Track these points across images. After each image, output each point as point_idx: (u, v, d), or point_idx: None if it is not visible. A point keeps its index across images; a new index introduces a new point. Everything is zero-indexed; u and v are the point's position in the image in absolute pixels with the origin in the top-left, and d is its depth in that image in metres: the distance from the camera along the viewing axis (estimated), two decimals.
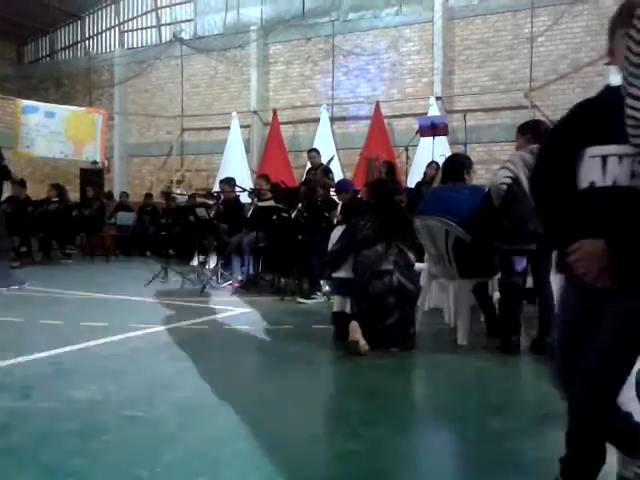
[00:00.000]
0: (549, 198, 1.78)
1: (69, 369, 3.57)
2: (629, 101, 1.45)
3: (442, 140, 9.97)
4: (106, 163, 12.65)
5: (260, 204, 7.15)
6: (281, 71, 13.36)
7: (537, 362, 3.92)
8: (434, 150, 9.17)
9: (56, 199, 9.59)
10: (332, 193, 7.37)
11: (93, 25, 16.52)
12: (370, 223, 4.31)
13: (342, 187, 6.83)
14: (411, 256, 4.29)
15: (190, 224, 7.90)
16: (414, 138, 10.17)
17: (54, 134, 11.34)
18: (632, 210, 1.59)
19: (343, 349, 4.03)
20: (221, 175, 11.04)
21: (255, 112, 13.34)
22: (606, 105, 1.66)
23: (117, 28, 16.04)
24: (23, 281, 6.76)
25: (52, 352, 3.88)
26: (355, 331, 3.98)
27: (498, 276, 4.37)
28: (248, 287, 6.82)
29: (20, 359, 3.70)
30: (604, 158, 1.66)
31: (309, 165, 9.16)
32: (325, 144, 11.34)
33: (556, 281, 3.77)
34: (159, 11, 15.38)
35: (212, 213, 7.70)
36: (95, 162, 12.02)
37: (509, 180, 3.93)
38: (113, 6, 16.00)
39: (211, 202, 8.62)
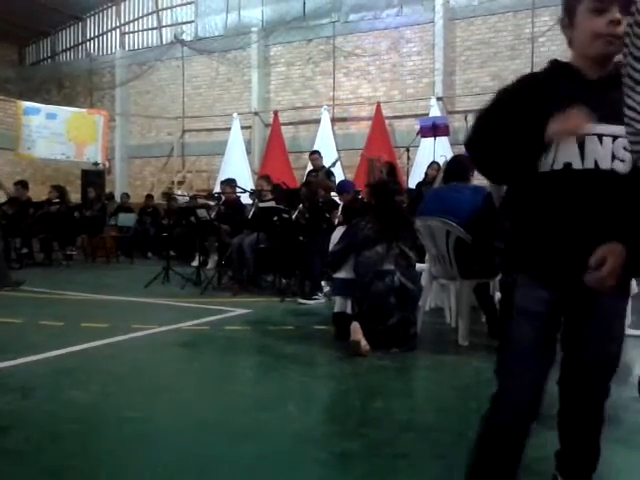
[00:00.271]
0: (499, 171, 1.66)
1: (69, 370, 3.57)
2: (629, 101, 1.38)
3: (443, 141, 9.98)
4: (107, 164, 12.66)
5: (261, 205, 7.14)
6: (282, 72, 13.37)
7: None
8: (435, 151, 9.17)
9: (57, 200, 9.59)
10: (333, 194, 7.37)
11: (94, 27, 16.56)
12: (371, 224, 4.31)
13: (343, 188, 6.82)
14: (412, 256, 4.29)
15: (191, 225, 7.90)
16: (415, 139, 10.17)
17: (55, 136, 11.38)
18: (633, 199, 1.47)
19: (344, 350, 4.02)
20: (222, 176, 11.06)
21: (256, 113, 13.35)
22: (572, 82, 1.57)
23: (118, 30, 16.07)
24: (20, 282, 6.73)
25: (52, 353, 3.88)
26: (356, 332, 3.98)
27: (499, 276, 4.37)
28: (249, 288, 6.82)
29: (21, 360, 3.70)
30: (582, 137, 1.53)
31: (310, 167, 9.16)
32: (326, 145, 11.35)
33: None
34: (160, 13, 15.41)
35: (213, 214, 7.70)
36: (96, 163, 12.04)
37: None
38: (114, 8, 16.03)
39: (212, 203, 8.62)
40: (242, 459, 2.34)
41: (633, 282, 3.19)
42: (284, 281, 6.89)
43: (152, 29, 15.56)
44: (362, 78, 12.43)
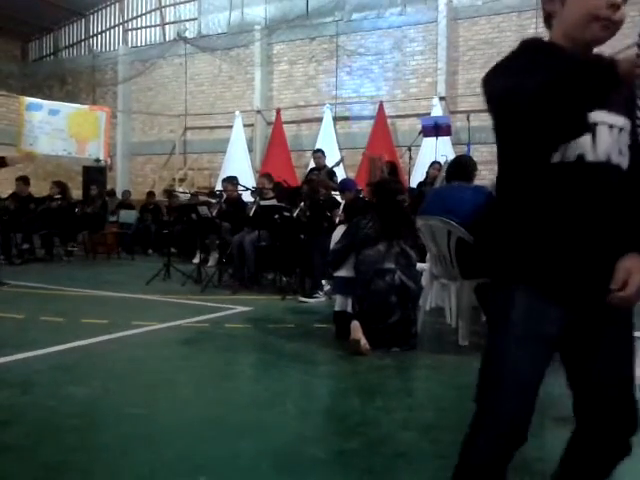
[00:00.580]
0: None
1: (69, 366, 3.57)
2: None
3: (445, 140, 9.97)
4: (109, 161, 12.63)
5: (262, 203, 7.14)
6: (285, 70, 13.36)
7: None
8: (437, 150, 9.16)
9: (58, 196, 9.59)
10: (334, 193, 7.37)
11: (97, 23, 16.55)
12: (372, 222, 4.31)
13: (345, 186, 6.82)
14: (413, 255, 4.28)
15: (192, 222, 7.90)
16: (417, 138, 10.16)
17: (57, 132, 11.34)
18: None
19: (344, 348, 4.02)
20: (224, 174, 11.06)
21: (258, 111, 13.34)
22: (575, 64, 1.30)
23: (121, 26, 16.06)
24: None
25: (52, 349, 3.88)
26: (356, 330, 3.98)
27: None
28: (250, 286, 6.82)
29: (21, 355, 3.70)
30: (594, 126, 1.34)
31: (312, 165, 9.17)
32: (328, 144, 11.34)
33: None
34: (163, 10, 15.40)
35: (214, 212, 7.70)
36: (98, 160, 12.01)
37: None
38: (117, 4, 16.02)
39: (213, 201, 8.62)
40: (241, 456, 2.34)
41: None
42: (285, 279, 6.89)
43: (155, 26, 15.55)
44: (365, 77, 12.42)
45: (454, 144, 10.46)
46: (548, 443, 2.54)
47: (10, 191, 9.74)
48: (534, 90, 1.22)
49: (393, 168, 8.69)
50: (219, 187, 9.46)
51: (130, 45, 15.82)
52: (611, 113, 1.36)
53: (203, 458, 2.30)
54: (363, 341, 3.94)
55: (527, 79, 1.24)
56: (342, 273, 4.47)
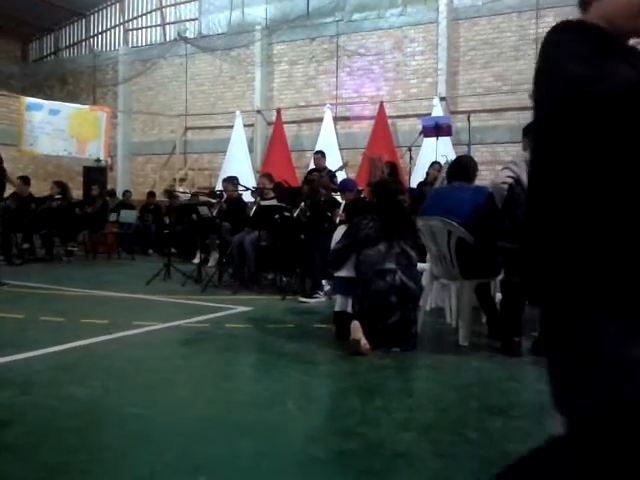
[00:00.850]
0: None
1: (70, 366, 3.57)
2: None
3: (446, 141, 9.96)
4: (109, 161, 12.65)
5: (263, 203, 7.14)
6: (285, 71, 13.37)
7: (538, 363, 3.91)
8: (437, 151, 9.15)
9: (59, 196, 9.59)
10: (335, 194, 7.38)
11: (98, 23, 16.56)
12: (373, 222, 4.31)
13: (345, 187, 6.83)
14: (413, 255, 4.28)
15: (192, 222, 7.90)
16: (418, 138, 10.16)
17: (58, 132, 11.37)
18: None
19: (344, 348, 4.02)
20: (224, 174, 11.06)
21: (259, 111, 13.35)
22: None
23: (122, 26, 16.07)
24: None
25: (53, 349, 3.88)
26: (356, 330, 3.97)
27: (501, 276, 4.36)
28: (250, 286, 6.82)
29: (21, 355, 3.70)
30: None
31: (312, 165, 9.16)
32: (328, 144, 11.36)
33: None
34: (164, 10, 15.40)
35: (215, 212, 7.70)
36: (98, 160, 12.03)
37: (510, 180, 3.95)
38: (118, 4, 16.03)
39: (214, 201, 8.62)
40: (241, 456, 2.34)
41: None
42: (285, 279, 6.89)
43: (156, 26, 15.55)
44: (365, 77, 12.42)
45: (455, 144, 10.45)
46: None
47: (11, 191, 9.74)
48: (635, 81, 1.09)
49: (393, 168, 8.68)
50: (219, 187, 9.47)
51: (131, 45, 15.83)
52: None
53: (203, 458, 2.30)
54: (363, 341, 3.94)
55: (613, 68, 1.11)
56: (342, 273, 4.46)
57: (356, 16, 12.58)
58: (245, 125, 13.23)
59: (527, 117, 9.28)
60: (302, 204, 6.86)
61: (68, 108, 11.82)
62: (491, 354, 4.07)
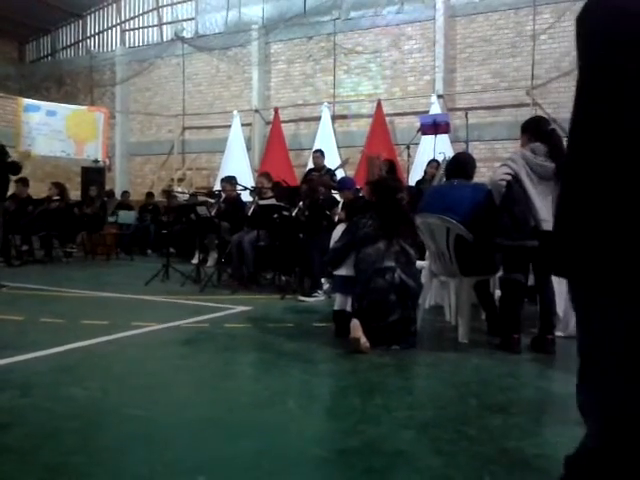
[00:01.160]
0: None
1: (69, 367, 3.57)
2: None
3: (444, 138, 9.96)
4: (107, 162, 12.64)
5: (261, 202, 7.14)
6: (282, 69, 13.36)
7: (538, 360, 3.91)
8: (436, 148, 9.15)
9: (57, 197, 9.58)
10: (333, 192, 7.37)
11: (95, 24, 16.54)
12: (372, 221, 4.31)
13: (344, 185, 6.82)
14: (412, 253, 4.28)
15: (191, 222, 7.90)
16: (416, 136, 10.16)
17: (55, 133, 11.35)
18: None
19: (344, 347, 4.02)
20: (222, 173, 11.04)
21: (256, 110, 13.34)
22: None
23: (119, 27, 16.06)
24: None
25: (52, 350, 3.88)
26: (356, 329, 3.98)
27: (499, 274, 4.37)
28: (249, 285, 6.82)
29: (21, 357, 3.69)
30: None
31: (311, 165, 9.15)
32: (327, 142, 11.35)
33: (559, 281, 3.76)
34: (160, 10, 15.39)
35: (213, 211, 7.69)
36: (96, 161, 12.02)
37: (508, 177, 3.95)
38: (115, 5, 16.01)
39: (212, 200, 8.62)
40: (241, 456, 2.34)
41: None
42: (284, 278, 6.89)
43: (152, 26, 15.54)
44: (363, 75, 12.41)
45: (453, 142, 10.45)
46: (548, 440, 2.54)
47: (9, 192, 9.73)
48: None
49: (391, 166, 8.67)
50: (218, 187, 9.46)
51: (128, 45, 15.81)
52: None
53: (203, 458, 2.30)
54: (363, 339, 3.94)
55: None
56: (342, 272, 4.47)
57: (353, 14, 12.57)
58: (243, 124, 13.22)
59: (525, 114, 9.29)
60: (301, 203, 6.86)
61: (65, 109, 11.80)
62: (490, 351, 4.07)
